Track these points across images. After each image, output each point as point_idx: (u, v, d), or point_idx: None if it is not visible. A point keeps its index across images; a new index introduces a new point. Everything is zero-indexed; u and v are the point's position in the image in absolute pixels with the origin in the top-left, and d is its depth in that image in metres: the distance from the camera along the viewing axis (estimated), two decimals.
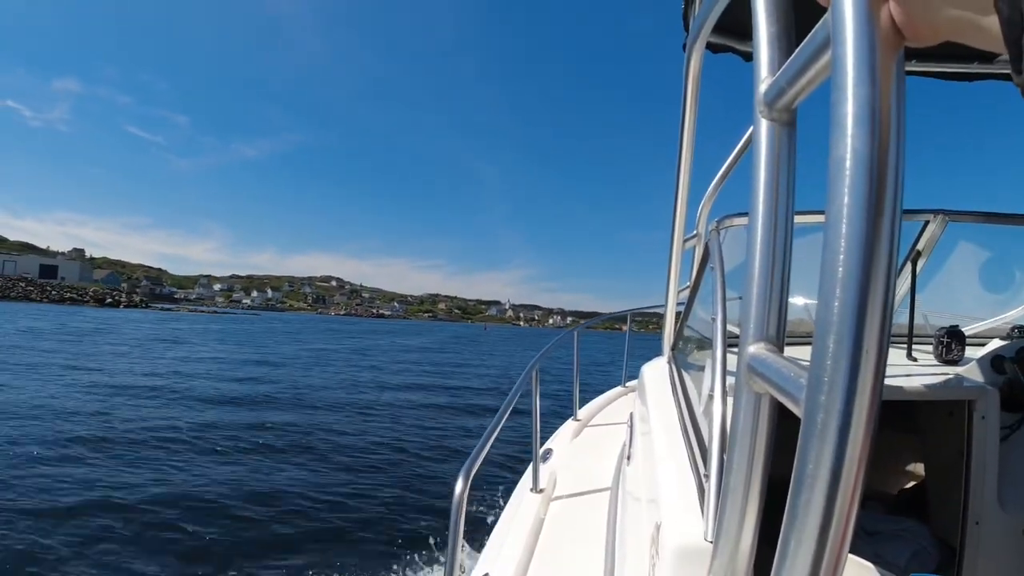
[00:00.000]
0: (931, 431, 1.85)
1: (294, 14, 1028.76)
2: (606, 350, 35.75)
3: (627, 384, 4.75)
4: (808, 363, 0.41)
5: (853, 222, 0.34)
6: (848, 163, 0.35)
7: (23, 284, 77.06)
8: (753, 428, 0.57)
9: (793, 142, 0.54)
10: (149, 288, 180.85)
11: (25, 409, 9.21)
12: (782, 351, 0.54)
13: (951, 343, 1.90)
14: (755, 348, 0.54)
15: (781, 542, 0.39)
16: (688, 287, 2.49)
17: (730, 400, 0.71)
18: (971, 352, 1.91)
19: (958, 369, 1.83)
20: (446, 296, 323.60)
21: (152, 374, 14.42)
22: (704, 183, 2.37)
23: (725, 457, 0.80)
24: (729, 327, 1.05)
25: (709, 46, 2.10)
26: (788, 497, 0.39)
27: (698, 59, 1.94)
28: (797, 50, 0.47)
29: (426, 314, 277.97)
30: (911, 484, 2.20)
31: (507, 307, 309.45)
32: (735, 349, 0.64)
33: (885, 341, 0.35)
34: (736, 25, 2.12)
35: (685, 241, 2.53)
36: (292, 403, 11.68)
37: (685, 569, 0.79)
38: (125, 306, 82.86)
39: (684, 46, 2.01)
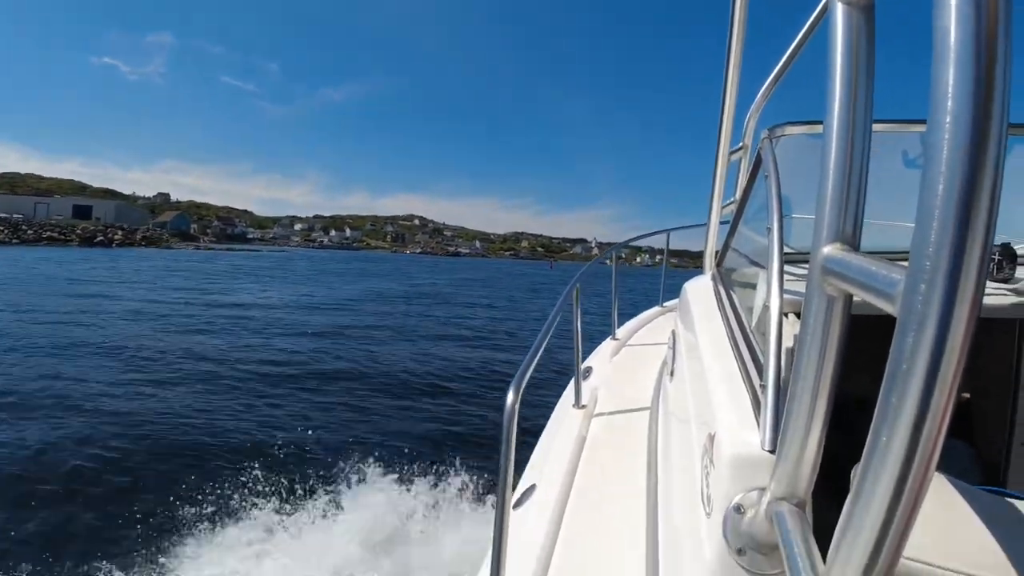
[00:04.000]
0: (979, 350, 1.79)
1: None
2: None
3: (665, 304, 4.69)
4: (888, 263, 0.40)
5: (960, 92, 0.32)
6: (953, 34, 0.32)
7: None
8: (824, 331, 0.54)
9: (872, 26, 0.52)
10: (220, 228, 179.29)
11: None
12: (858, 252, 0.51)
13: (1003, 261, 1.82)
14: (830, 249, 0.52)
15: (870, 439, 0.38)
16: (732, 203, 2.56)
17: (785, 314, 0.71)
18: (1022, 272, 1.89)
19: (1008, 287, 1.79)
20: (531, 235, 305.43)
21: None
22: (750, 94, 2.34)
23: (784, 365, 0.81)
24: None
25: None
26: (880, 395, 0.38)
27: None
28: None
29: (508, 252, 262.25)
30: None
31: (593, 245, 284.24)
32: (788, 267, 0.65)
33: (992, 222, 0.33)
34: None
35: (731, 153, 2.57)
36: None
37: (742, 477, 0.78)
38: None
39: None
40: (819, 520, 0.64)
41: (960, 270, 0.33)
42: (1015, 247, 1.86)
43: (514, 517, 1.57)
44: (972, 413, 1.85)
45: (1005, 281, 1.81)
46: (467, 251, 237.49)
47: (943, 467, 0.69)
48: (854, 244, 0.52)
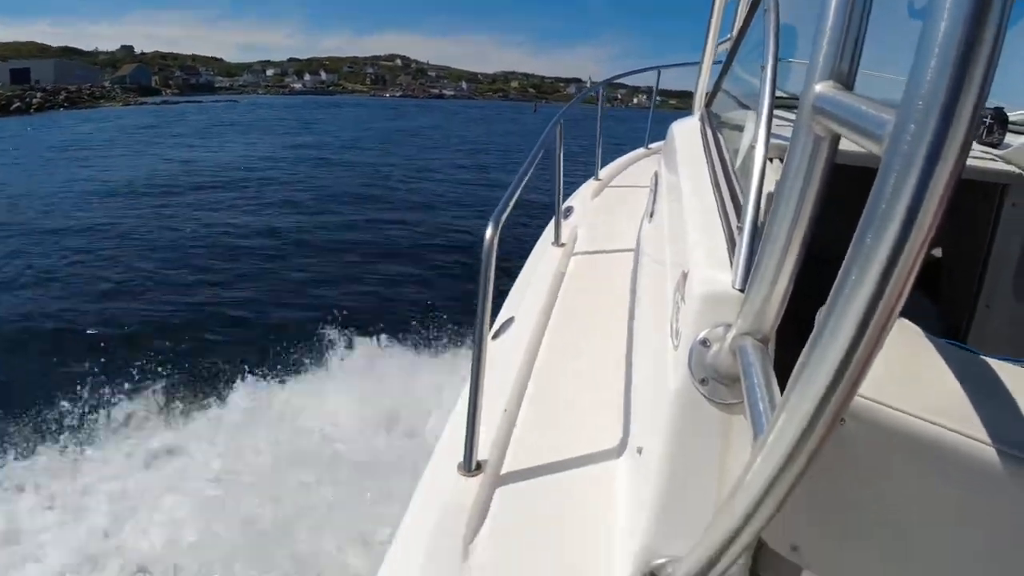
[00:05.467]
0: (958, 211, 1.76)
1: None
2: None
3: (650, 146, 4.50)
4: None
5: None
6: None
7: None
8: (807, 171, 0.53)
9: None
10: (183, 79, 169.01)
11: None
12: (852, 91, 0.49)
13: (994, 125, 1.78)
14: (823, 87, 0.50)
15: (840, 276, 0.39)
16: (728, 39, 2.49)
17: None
18: (1012, 139, 1.81)
19: (996, 152, 1.72)
20: (522, 74, 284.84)
21: None
22: None
23: (764, 209, 0.82)
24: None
25: None
26: (855, 234, 0.38)
27: None
28: None
29: (497, 93, 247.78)
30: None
31: (588, 85, 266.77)
32: (780, 111, 0.68)
33: (992, 67, 0.31)
34: None
35: None
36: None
37: (711, 312, 0.78)
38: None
39: None
40: (782, 362, 0.63)
41: (954, 112, 0.32)
42: (1008, 113, 1.80)
43: (492, 347, 1.61)
44: (942, 271, 1.81)
45: (993, 145, 1.75)
46: (452, 93, 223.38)
47: (907, 318, 0.70)
48: (848, 83, 0.50)
